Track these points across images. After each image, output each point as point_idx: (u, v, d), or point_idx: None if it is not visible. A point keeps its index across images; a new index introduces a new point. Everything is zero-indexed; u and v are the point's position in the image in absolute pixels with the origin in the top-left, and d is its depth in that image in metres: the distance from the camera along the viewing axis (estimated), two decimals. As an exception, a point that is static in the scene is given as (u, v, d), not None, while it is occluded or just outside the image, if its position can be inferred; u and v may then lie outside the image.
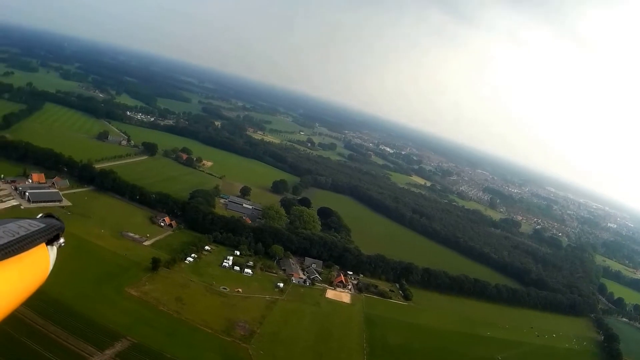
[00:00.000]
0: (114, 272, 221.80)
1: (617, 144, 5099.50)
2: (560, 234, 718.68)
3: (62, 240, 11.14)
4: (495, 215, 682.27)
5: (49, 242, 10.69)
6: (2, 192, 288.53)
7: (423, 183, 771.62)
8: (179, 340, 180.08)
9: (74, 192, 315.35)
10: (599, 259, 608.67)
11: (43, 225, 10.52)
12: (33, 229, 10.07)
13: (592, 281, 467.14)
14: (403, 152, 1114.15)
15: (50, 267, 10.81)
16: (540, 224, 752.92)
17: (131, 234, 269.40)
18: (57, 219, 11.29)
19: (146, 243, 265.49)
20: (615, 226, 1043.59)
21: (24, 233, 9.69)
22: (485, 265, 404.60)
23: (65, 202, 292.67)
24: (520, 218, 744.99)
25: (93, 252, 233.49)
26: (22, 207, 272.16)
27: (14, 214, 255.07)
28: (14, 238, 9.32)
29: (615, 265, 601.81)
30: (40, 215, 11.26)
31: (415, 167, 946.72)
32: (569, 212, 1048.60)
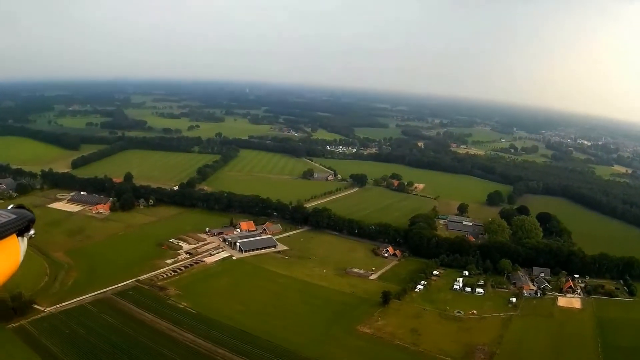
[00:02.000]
0: (343, 311, 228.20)
1: None
2: None
3: (32, 231, 11.94)
4: None
5: (20, 233, 11.51)
6: (210, 245, 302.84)
7: (625, 171, 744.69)
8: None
9: (289, 235, 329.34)
10: None
11: (14, 216, 11.39)
12: (3, 220, 10.98)
13: None
14: (600, 143, 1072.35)
15: (21, 258, 11.58)
16: None
17: (355, 270, 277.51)
18: (28, 210, 12.15)
19: (372, 277, 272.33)
20: None
21: None
22: None
23: (281, 247, 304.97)
24: None
25: (319, 294, 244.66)
26: (234, 257, 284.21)
27: (225, 266, 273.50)
28: None
29: None
30: (10, 206, 12.12)
31: (614, 156, 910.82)
32: None
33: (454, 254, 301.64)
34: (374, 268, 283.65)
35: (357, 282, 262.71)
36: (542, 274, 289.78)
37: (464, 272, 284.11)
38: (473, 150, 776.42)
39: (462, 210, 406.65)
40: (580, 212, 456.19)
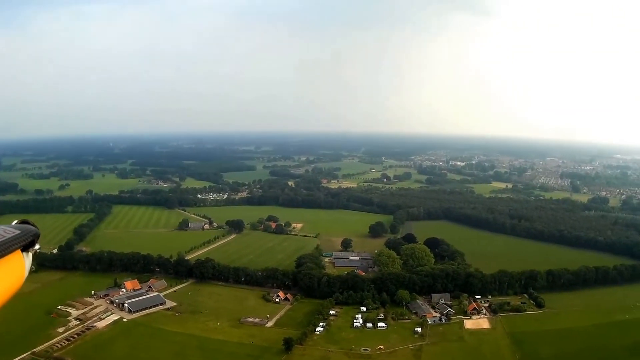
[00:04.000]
0: None
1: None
2: None
3: (37, 246, 11.42)
4: (582, 198, 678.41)
5: (24, 249, 10.94)
6: (98, 308, 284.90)
7: (504, 187, 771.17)
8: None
9: (175, 290, 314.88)
10: None
11: (18, 231, 10.81)
12: (8, 236, 10.39)
13: None
14: (474, 162, 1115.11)
15: (26, 273, 11.06)
16: (624, 194, 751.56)
17: (250, 319, 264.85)
18: (33, 225, 11.56)
19: (269, 324, 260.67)
20: None
21: None
22: (594, 251, 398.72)
23: (170, 303, 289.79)
24: (605, 193, 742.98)
25: (219, 348, 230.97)
26: (124, 319, 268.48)
27: (118, 329, 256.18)
28: None
29: None
30: (15, 221, 11.57)
31: (491, 172, 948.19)
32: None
33: (347, 290, 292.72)
34: (268, 315, 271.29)
35: (254, 332, 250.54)
36: (442, 300, 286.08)
37: (362, 307, 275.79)
38: (345, 184, 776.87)
39: (346, 245, 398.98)
40: (467, 232, 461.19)
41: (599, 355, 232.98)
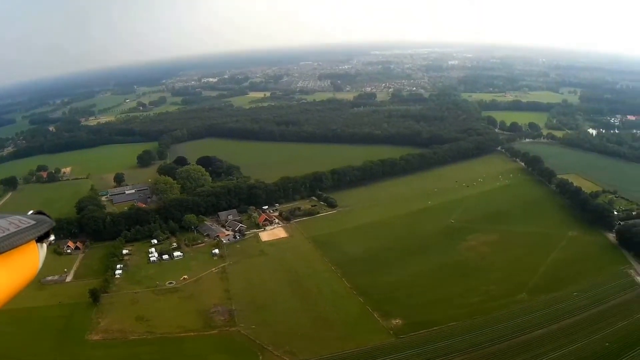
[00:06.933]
0: (62, 326, 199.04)
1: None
2: (414, 88, 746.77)
3: (52, 237, 10.76)
4: (347, 96, 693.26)
5: (39, 239, 10.49)
6: None
7: (263, 96, 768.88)
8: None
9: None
10: (466, 96, 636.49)
11: (33, 222, 10.26)
12: (23, 226, 9.94)
13: (478, 118, 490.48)
14: (226, 77, 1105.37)
15: (40, 264, 10.67)
16: (391, 87, 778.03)
17: (50, 278, 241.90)
18: (47, 216, 10.91)
19: (69, 279, 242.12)
20: (456, 62, 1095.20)
21: (14, 230, 9.77)
22: (375, 145, 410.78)
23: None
24: (370, 89, 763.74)
25: (27, 317, 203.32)
26: None
27: None
28: (4, 235, 9.53)
29: (484, 97, 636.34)
30: (30, 211, 10.90)
31: (246, 84, 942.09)
32: (407, 66, 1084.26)
33: (134, 226, 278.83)
34: (65, 270, 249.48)
35: (58, 291, 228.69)
36: (230, 217, 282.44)
37: (153, 240, 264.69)
38: (104, 119, 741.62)
39: (119, 180, 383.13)
40: (236, 145, 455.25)
41: (411, 242, 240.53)
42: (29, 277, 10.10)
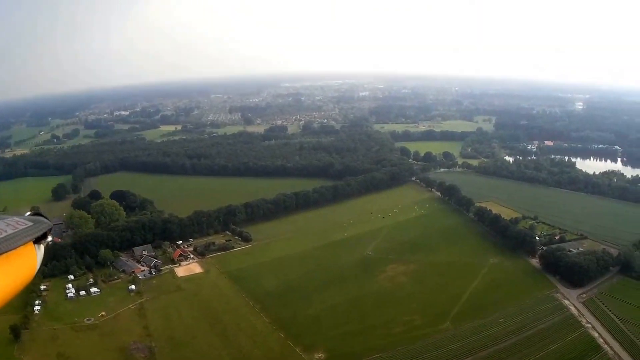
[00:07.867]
0: None
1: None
2: (325, 120, 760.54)
3: (50, 238, 11.67)
4: (258, 129, 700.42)
5: (37, 241, 11.17)
6: None
7: (174, 129, 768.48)
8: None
9: None
10: (378, 127, 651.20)
11: (31, 223, 10.96)
12: (21, 227, 10.53)
13: (392, 149, 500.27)
14: (138, 109, 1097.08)
15: (38, 265, 11.34)
16: (302, 119, 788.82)
17: None
18: (45, 217, 11.76)
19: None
20: (367, 93, 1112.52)
21: (11, 231, 10.18)
22: (288, 178, 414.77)
23: None
24: (281, 122, 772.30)
25: None
26: None
27: None
28: (2, 236, 9.85)
29: (396, 127, 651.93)
30: (28, 213, 11.98)
31: (157, 117, 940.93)
32: (318, 97, 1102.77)
33: (50, 261, 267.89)
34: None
35: None
36: (145, 252, 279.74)
37: (69, 276, 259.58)
38: (19, 151, 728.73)
39: (36, 213, 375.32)
40: (149, 179, 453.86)
41: (328, 274, 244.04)
42: (27, 279, 11.09)
